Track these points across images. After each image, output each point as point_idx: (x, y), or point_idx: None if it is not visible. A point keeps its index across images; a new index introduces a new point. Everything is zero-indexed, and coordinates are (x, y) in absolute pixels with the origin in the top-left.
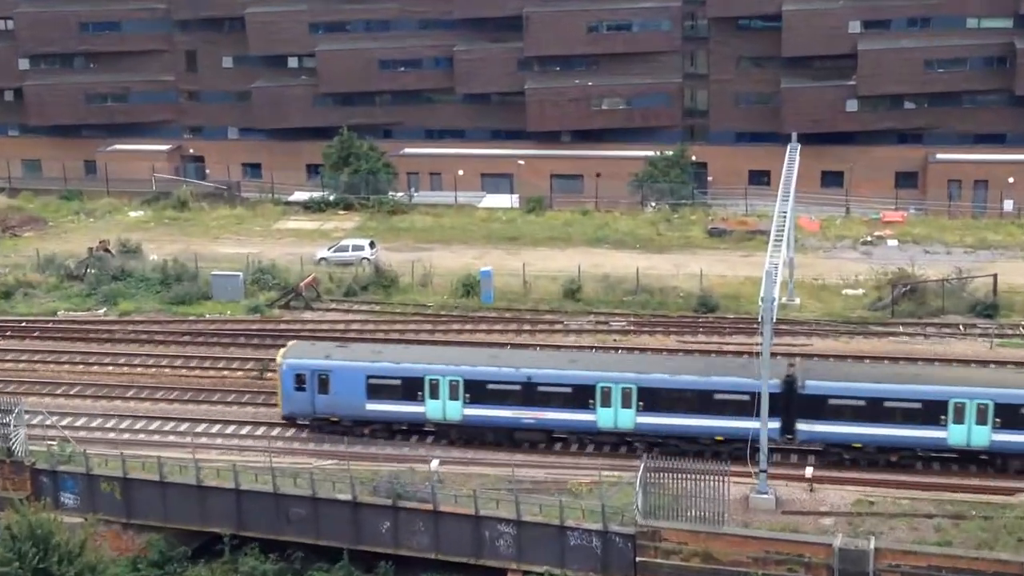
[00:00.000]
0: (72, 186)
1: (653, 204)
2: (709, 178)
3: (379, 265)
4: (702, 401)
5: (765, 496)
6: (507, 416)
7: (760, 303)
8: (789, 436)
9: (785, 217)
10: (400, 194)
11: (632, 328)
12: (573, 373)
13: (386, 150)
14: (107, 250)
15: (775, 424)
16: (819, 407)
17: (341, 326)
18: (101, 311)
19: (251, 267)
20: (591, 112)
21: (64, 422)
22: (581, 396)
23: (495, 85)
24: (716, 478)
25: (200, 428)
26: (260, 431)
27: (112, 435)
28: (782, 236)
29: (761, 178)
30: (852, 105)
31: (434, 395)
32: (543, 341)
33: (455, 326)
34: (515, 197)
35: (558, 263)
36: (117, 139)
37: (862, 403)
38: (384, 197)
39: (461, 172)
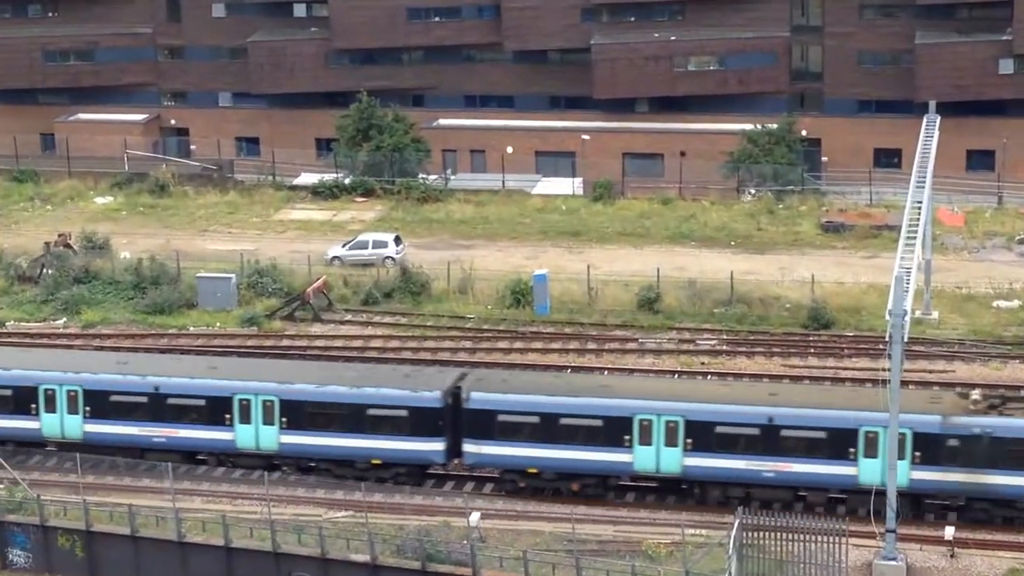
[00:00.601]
0: (25, 164)
1: (752, 191)
2: (824, 158)
3: (406, 266)
4: (354, 418)
5: (894, 563)
6: (134, 434)
7: (888, 318)
8: (457, 460)
9: (920, 209)
10: (433, 177)
11: (725, 348)
12: (207, 383)
13: (416, 121)
14: (68, 245)
15: (438, 445)
16: (487, 425)
17: (358, 343)
18: (60, 322)
19: (246, 268)
20: (674, 75)
21: (14, 459)
22: (217, 410)
23: (554, 40)
24: (831, 539)
25: (182, 469)
26: (256, 474)
27: (72, 476)
28: (916, 233)
29: (890, 159)
30: (1007, 66)
31: (50, 408)
32: (612, 363)
33: (501, 344)
34: (578, 181)
35: (632, 265)
36: (81, 107)
37: (535, 420)
38: (413, 181)
39: (510, 150)
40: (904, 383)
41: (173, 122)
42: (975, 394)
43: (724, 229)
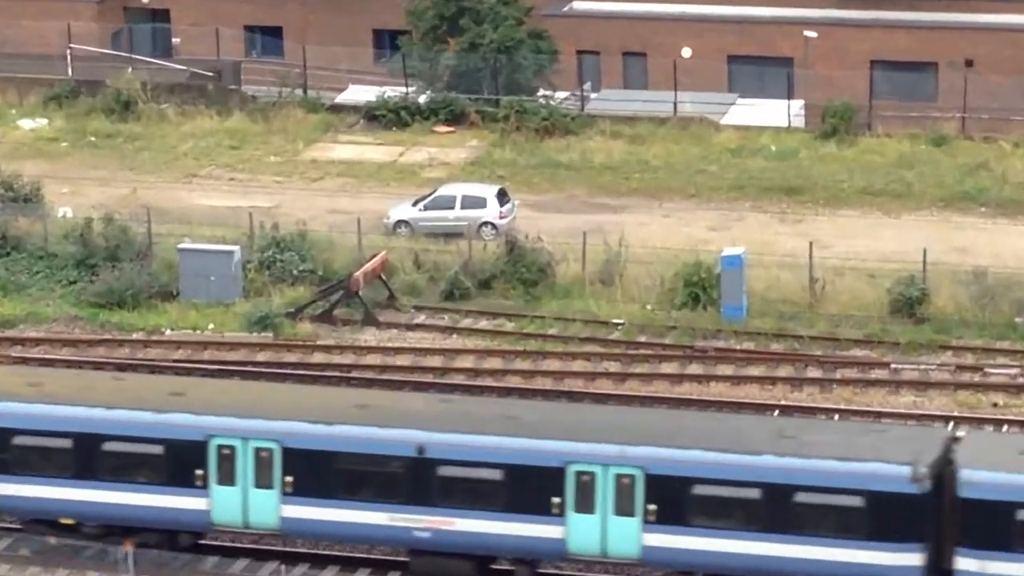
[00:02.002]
0: None
1: None
2: None
3: (516, 239)
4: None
5: None
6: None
7: None
8: None
9: None
10: (562, 95)
11: None
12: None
13: (534, 6)
14: None
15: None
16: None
17: (435, 360)
18: None
19: (258, 237)
20: None
21: None
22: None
23: None
24: None
25: (151, 556)
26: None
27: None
28: None
29: None
30: None
31: None
32: (849, 400)
33: (666, 367)
34: (796, 106)
35: (882, 244)
36: None
37: None
38: (529, 101)
39: (687, 53)
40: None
41: (145, 1)
42: None
43: None
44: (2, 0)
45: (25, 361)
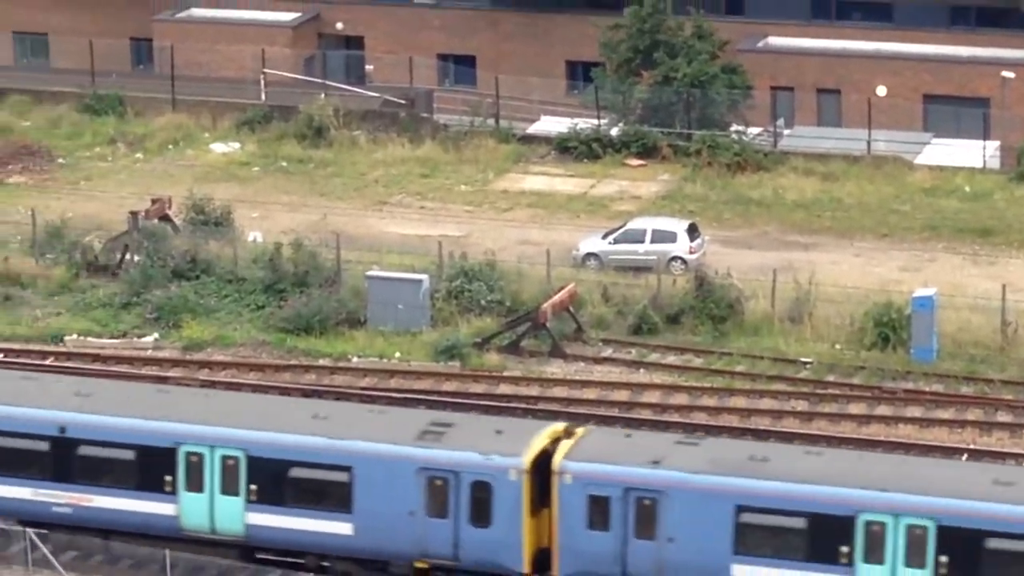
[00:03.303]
0: (106, 87)
1: None
2: None
3: (705, 274)
4: None
5: None
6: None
7: None
8: None
9: None
10: (755, 131)
11: None
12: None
13: (730, 39)
14: (166, 218)
15: None
16: None
17: (622, 394)
18: (149, 339)
19: (447, 266)
20: None
21: None
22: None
23: None
24: None
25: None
26: None
27: None
28: None
29: None
30: None
31: None
32: None
33: (853, 408)
34: (992, 147)
35: None
36: None
37: None
38: (722, 136)
39: (883, 91)
40: None
41: (340, 26)
42: None
43: None
44: (198, 25)
45: (213, 384)
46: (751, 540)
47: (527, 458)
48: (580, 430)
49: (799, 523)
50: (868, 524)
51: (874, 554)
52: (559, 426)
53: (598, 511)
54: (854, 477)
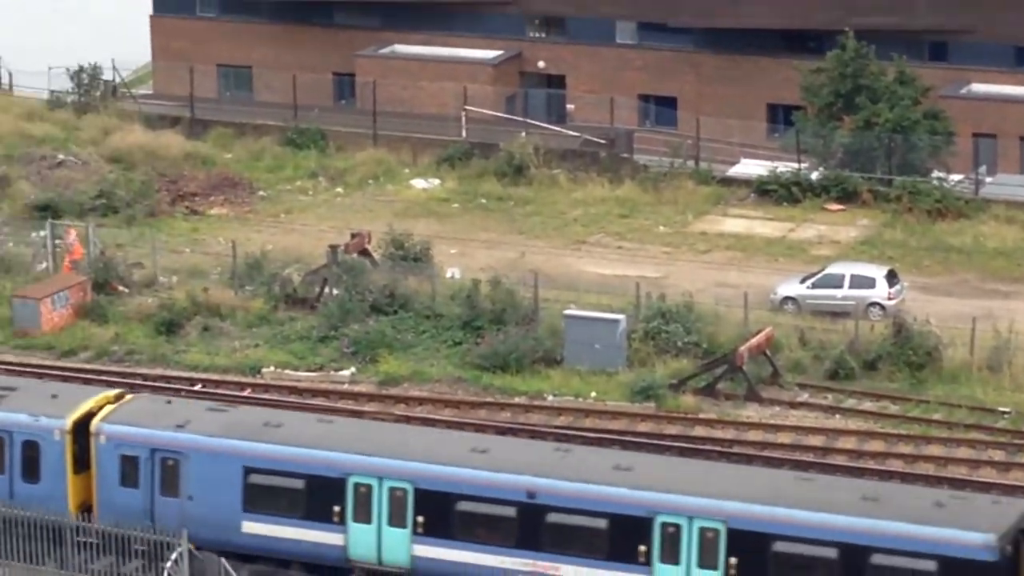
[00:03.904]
0: (308, 121)
1: None
2: None
3: (904, 321)
4: None
5: None
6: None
7: None
8: None
9: None
10: (956, 178)
11: None
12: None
13: (932, 85)
14: (366, 252)
15: None
16: None
17: (817, 439)
18: (346, 373)
19: (644, 307)
20: None
21: None
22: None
23: None
24: None
25: None
26: None
27: None
28: None
29: None
30: None
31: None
32: None
33: None
34: None
35: None
36: (398, 33)
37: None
38: (923, 182)
39: None
40: None
41: (541, 65)
42: None
43: None
44: (401, 61)
45: (408, 420)
46: (259, 499)
47: (70, 420)
48: (129, 397)
49: (299, 484)
50: (357, 486)
51: (362, 513)
52: (111, 392)
53: (129, 470)
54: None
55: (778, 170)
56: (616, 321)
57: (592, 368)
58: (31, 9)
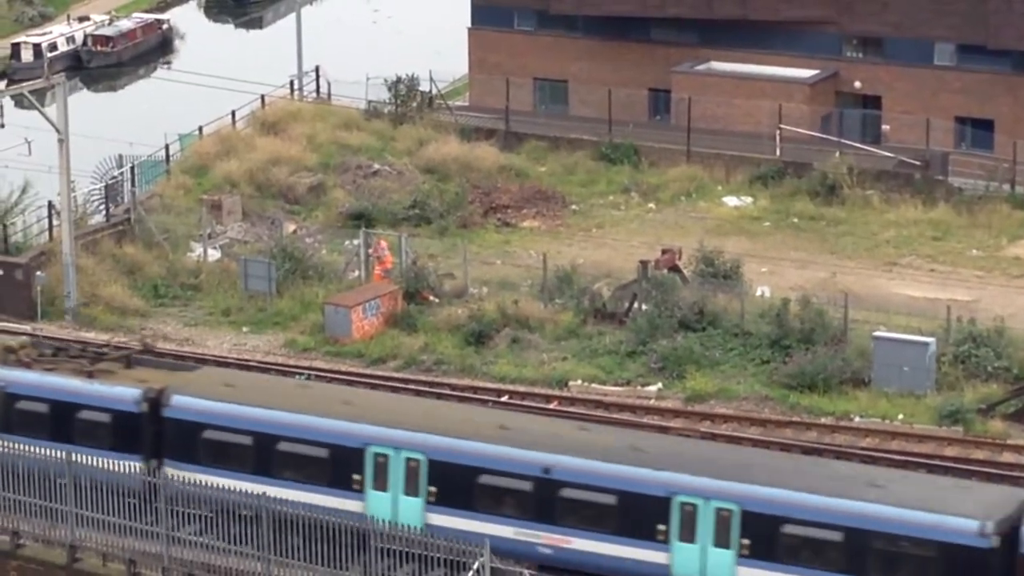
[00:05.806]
0: (622, 137)
1: None
2: None
3: None
4: None
5: None
6: None
7: None
8: None
9: None
10: None
11: None
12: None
13: None
14: (676, 268)
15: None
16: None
17: None
18: (652, 389)
19: (954, 331)
20: None
21: None
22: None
23: None
24: None
25: None
26: None
27: None
28: None
29: None
30: None
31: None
32: None
33: None
34: None
35: None
36: (715, 50)
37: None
38: None
39: None
40: None
41: (858, 85)
42: None
43: None
44: (717, 78)
45: (714, 437)
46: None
47: None
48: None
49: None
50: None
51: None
52: None
53: None
54: None
55: None
56: (926, 344)
57: (900, 390)
58: (350, 21)
